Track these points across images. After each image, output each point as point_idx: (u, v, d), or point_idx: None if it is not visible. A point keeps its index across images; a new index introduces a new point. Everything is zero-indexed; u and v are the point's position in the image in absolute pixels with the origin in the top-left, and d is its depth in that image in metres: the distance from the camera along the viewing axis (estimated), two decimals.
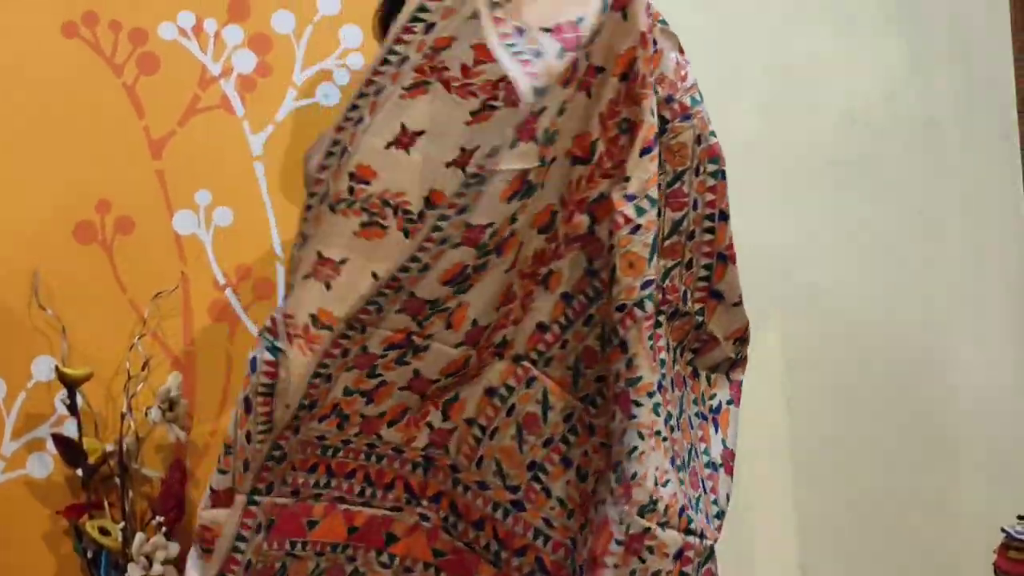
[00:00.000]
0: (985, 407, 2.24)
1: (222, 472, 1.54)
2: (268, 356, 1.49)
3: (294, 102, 2.06)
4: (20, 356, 1.93)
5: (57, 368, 1.87)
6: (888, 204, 2.18)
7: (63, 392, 1.88)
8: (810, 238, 2.17)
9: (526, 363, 1.56)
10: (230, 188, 2.04)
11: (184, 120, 2.02)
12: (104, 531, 1.87)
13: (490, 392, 1.56)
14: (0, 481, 1.91)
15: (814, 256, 2.18)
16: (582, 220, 1.52)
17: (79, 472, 1.88)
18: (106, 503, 1.90)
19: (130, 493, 1.90)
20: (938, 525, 2.14)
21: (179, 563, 1.86)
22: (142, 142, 2.01)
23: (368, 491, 1.60)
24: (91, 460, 1.88)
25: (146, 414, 1.91)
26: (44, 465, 1.93)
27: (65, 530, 1.91)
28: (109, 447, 1.90)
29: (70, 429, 1.89)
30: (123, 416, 1.89)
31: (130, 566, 1.84)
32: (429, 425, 1.58)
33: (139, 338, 1.94)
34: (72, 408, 1.88)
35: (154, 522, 1.89)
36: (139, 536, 1.85)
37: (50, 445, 1.91)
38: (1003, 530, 1.73)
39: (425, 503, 1.61)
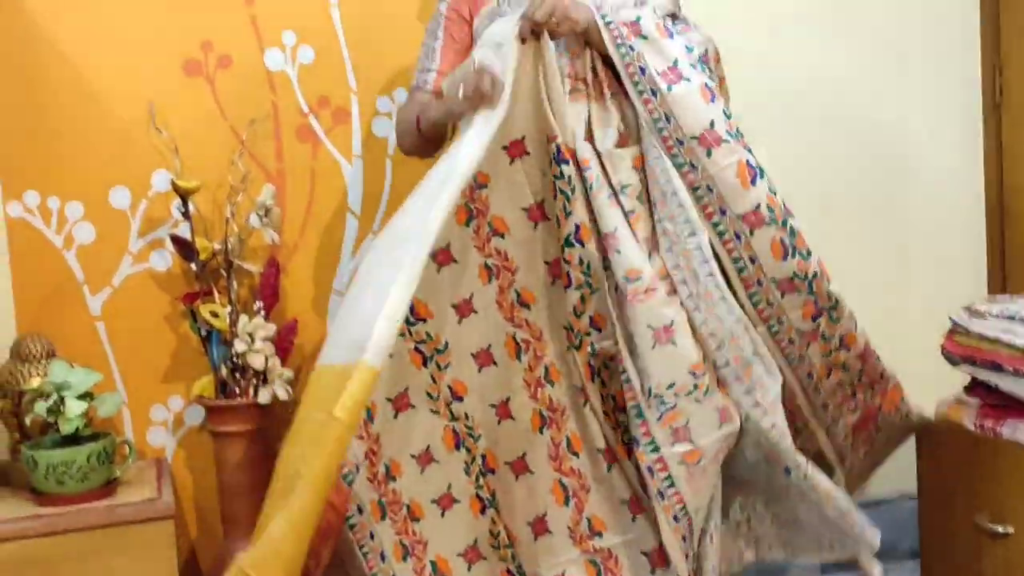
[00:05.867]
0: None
1: None
2: None
3: None
4: (141, 171, 2.19)
5: (172, 181, 2.13)
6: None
7: (177, 201, 2.14)
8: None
9: None
10: (312, 30, 2.27)
11: None
12: (214, 314, 2.14)
13: None
14: (129, 273, 2.20)
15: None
16: None
17: (192, 266, 2.16)
18: (215, 291, 2.17)
19: (234, 284, 2.16)
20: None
21: (275, 340, 2.15)
22: None
23: None
24: (202, 256, 2.15)
25: (247, 220, 2.16)
26: (164, 260, 2.21)
27: (183, 313, 2.20)
28: (216, 246, 2.15)
29: (184, 231, 2.15)
30: (227, 221, 2.15)
31: (236, 342, 2.10)
32: None
33: (238, 156, 2.20)
34: (185, 214, 2.14)
35: (255, 306, 2.17)
36: (243, 318, 2.13)
37: (169, 244, 2.19)
38: (951, 319, 2.02)
39: None
